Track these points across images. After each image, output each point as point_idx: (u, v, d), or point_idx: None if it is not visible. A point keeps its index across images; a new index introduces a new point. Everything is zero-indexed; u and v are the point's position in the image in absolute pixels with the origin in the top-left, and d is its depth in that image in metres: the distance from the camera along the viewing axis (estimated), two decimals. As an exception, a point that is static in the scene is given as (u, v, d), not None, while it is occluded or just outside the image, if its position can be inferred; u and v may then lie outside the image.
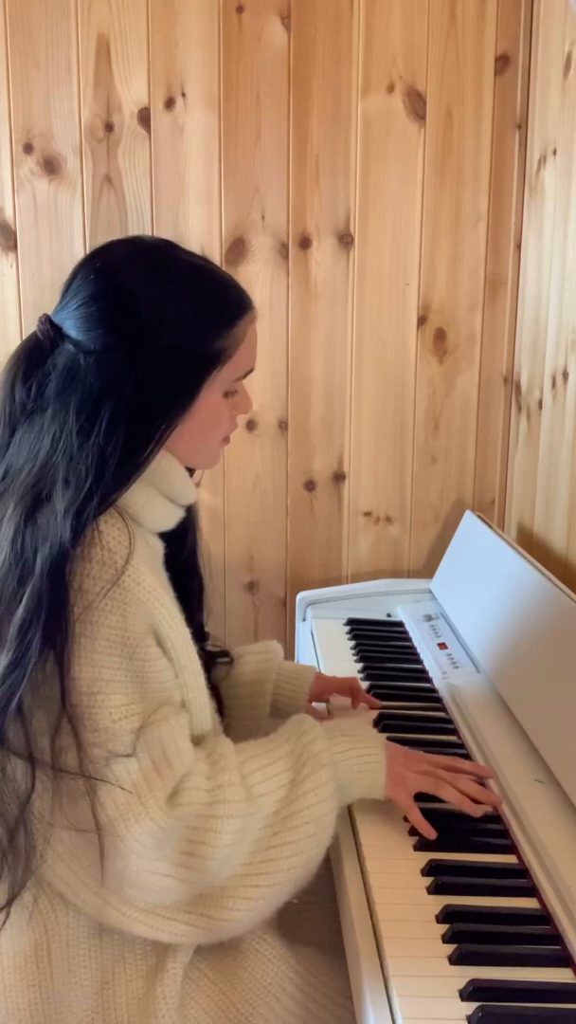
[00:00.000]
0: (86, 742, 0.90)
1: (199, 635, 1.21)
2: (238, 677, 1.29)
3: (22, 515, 0.91)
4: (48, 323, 0.99)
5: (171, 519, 1.06)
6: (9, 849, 0.92)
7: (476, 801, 1.06)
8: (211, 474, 1.95)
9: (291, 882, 0.96)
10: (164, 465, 1.00)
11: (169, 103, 1.83)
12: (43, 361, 0.98)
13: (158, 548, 1.05)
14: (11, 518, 0.92)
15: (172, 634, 0.96)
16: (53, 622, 0.88)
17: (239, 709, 1.28)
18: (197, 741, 0.99)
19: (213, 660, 1.25)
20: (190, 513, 1.13)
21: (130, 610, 0.91)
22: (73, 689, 0.90)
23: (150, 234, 1.08)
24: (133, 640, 0.92)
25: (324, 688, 1.36)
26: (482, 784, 1.11)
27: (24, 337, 1.02)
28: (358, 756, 1.04)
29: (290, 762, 0.99)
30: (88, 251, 1.05)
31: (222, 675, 1.28)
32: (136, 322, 0.96)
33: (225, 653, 1.30)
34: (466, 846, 1.02)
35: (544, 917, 0.92)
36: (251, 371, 1.07)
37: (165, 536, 1.07)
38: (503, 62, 1.84)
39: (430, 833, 1.02)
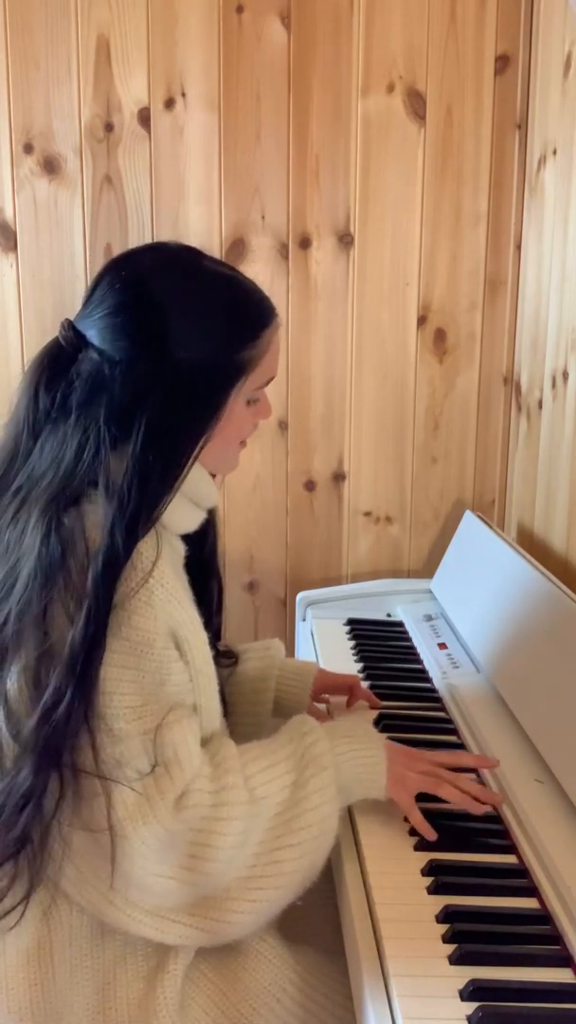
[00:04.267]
0: (98, 742, 0.90)
1: (217, 636, 1.21)
2: (241, 675, 1.29)
3: (50, 525, 0.91)
4: (71, 329, 0.99)
5: (194, 522, 1.06)
6: (31, 848, 0.91)
7: (478, 800, 1.06)
8: (211, 474, 1.95)
9: (295, 885, 0.96)
10: (192, 471, 1.00)
11: (169, 103, 1.83)
12: (66, 368, 0.98)
13: (180, 551, 1.05)
14: (36, 527, 0.91)
15: (191, 638, 0.96)
16: (102, 635, 0.89)
17: (242, 706, 1.28)
18: (202, 743, 0.99)
19: (218, 659, 1.26)
20: (211, 515, 1.13)
21: (154, 612, 0.92)
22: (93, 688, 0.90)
23: (175, 241, 1.08)
24: (156, 642, 0.92)
25: (326, 685, 1.36)
26: (483, 780, 1.11)
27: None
28: (359, 757, 1.04)
29: (292, 763, 0.99)
30: (112, 257, 1.04)
31: (226, 675, 1.28)
32: (162, 334, 0.96)
33: (230, 653, 1.30)
34: (466, 846, 1.03)
35: (544, 917, 0.92)
36: (272, 379, 1.07)
37: (186, 538, 1.07)
38: (503, 62, 1.84)
39: (430, 834, 1.02)
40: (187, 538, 1.07)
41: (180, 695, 0.96)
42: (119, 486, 0.92)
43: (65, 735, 0.88)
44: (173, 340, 0.96)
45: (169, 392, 0.95)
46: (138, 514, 0.91)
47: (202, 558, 1.14)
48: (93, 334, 0.98)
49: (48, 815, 0.90)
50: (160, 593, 0.92)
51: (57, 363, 0.99)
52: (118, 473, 0.92)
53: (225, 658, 1.28)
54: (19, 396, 1.00)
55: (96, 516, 0.91)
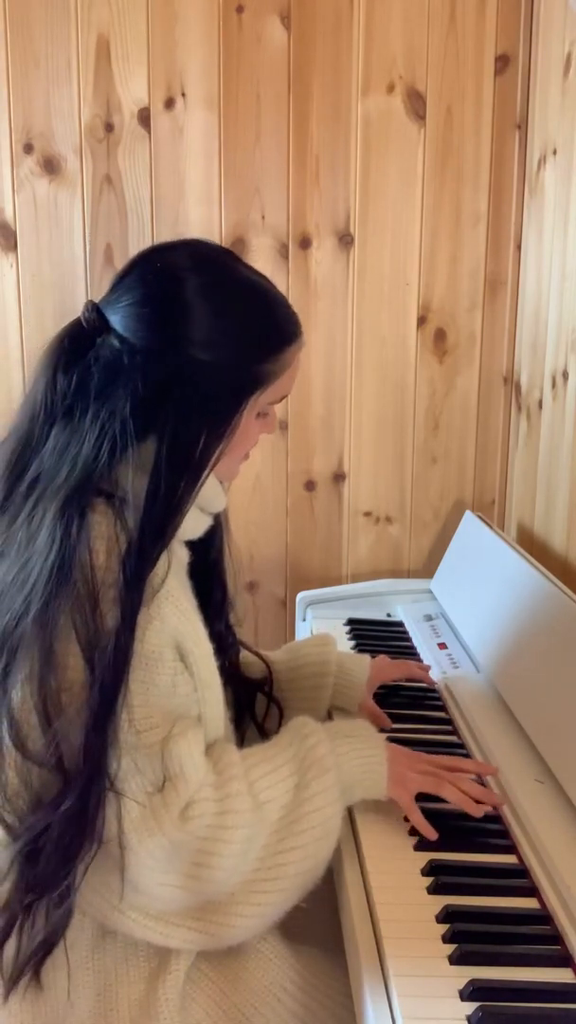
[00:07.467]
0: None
1: (222, 644, 1.19)
2: (300, 670, 1.29)
3: (65, 530, 0.88)
4: (95, 311, 0.97)
5: (200, 528, 1.05)
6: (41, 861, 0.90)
7: (478, 801, 1.06)
8: (211, 474, 1.96)
9: (298, 887, 0.96)
10: None
11: (169, 103, 1.83)
12: (85, 351, 0.96)
13: (184, 557, 1.04)
14: (49, 530, 0.89)
15: (196, 649, 0.96)
16: (132, 646, 0.88)
17: (299, 692, 1.28)
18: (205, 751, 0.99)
19: (254, 687, 1.26)
20: (218, 519, 1.12)
21: (163, 626, 0.91)
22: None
23: (213, 241, 1.06)
24: (165, 655, 0.92)
25: (380, 673, 1.36)
26: (484, 784, 1.11)
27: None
28: (361, 757, 1.04)
29: (294, 767, 0.99)
30: (149, 246, 1.02)
31: (284, 672, 1.28)
32: (187, 333, 0.95)
33: (262, 683, 1.27)
34: (466, 846, 1.02)
35: (544, 917, 0.92)
36: (285, 397, 1.06)
37: (191, 543, 1.06)
38: (503, 62, 1.84)
39: (431, 834, 1.02)
40: (193, 543, 1.06)
41: (186, 707, 0.95)
42: (143, 493, 0.90)
43: (112, 752, 0.87)
44: (196, 340, 0.95)
45: (187, 392, 0.94)
46: (164, 523, 0.91)
47: (208, 562, 1.14)
48: (116, 320, 0.96)
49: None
50: (167, 607, 0.91)
51: (77, 344, 0.97)
52: (138, 480, 0.91)
53: (259, 681, 1.27)
54: (36, 377, 0.98)
55: (101, 528, 0.89)
